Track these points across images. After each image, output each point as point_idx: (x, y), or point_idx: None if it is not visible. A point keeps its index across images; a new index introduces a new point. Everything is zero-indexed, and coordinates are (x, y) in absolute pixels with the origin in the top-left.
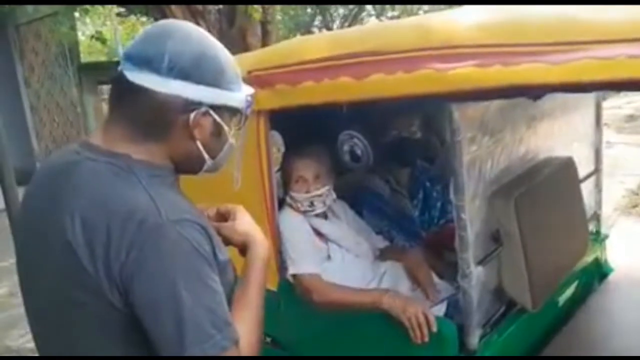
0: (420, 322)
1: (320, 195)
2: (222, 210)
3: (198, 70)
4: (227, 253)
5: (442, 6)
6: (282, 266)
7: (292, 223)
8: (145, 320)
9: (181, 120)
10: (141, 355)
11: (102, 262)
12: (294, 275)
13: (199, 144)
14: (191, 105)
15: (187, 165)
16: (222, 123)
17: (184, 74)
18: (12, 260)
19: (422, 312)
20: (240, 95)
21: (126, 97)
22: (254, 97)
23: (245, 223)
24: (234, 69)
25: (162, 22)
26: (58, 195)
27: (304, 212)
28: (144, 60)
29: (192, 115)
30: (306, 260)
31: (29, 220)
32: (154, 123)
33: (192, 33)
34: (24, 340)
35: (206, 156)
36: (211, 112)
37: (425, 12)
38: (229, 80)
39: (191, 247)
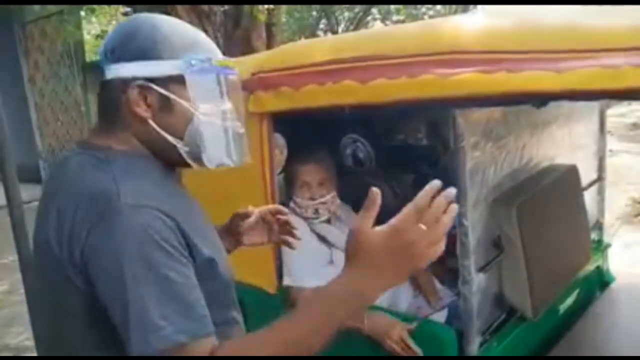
0: (406, 344)
1: (324, 203)
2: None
3: (129, 45)
4: (213, 250)
5: (447, 11)
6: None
7: None
8: (102, 302)
9: (123, 101)
10: (112, 341)
11: (66, 245)
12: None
13: (151, 122)
14: (128, 83)
15: (160, 150)
16: (171, 95)
17: (117, 55)
18: (12, 257)
19: (401, 337)
20: (176, 61)
21: (98, 94)
22: (211, 62)
23: (355, 242)
24: (181, 36)
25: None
26: (49, 193)
27: (308, 219)
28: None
29: (128, 92)
30: (301, 272)
31: (36, 220)
32: (110, 111)
33: (137, 17)
34: (22, 337)
35: (169, 137)
36: (151, 85)
37: (431, 17)
38: (172, 49)
39: (146, 234)
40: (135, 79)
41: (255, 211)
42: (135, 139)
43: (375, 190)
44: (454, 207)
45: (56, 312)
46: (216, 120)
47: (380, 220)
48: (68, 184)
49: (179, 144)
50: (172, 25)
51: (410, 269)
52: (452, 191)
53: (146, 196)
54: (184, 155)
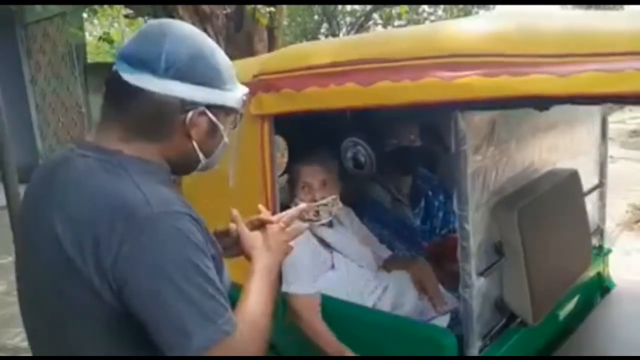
0: None
1: (326, 205)
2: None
3: (194, 70)
4: (214, 249)
5: (448, 17)
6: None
7: None
8: (144, 314)
9: (178, 120)
10: (134, 351)
11: (91, 256)
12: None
13: (194, 143)
14: (188, 105)
15: (183, 164)
16: (218, 123)
17: (181, 74)
18: (11, 258)
19: None
20: (236, 94)
21: (122, 97)
22: (248, 96)
23: (254, 238)
24: (229, 68)
25: (157, 21)
26: (49, 192)
27: (309, 221)
28: (140, 61)
29: (189, 115)
30: (299, 279)
31: (24, 217)
32: (150, 123)
33: (187, 33)
34: (20, 338)
35: (201, 156)
36: (207, 112)
37: (432, 22)
38: (225, 80)
39: (184, 236)
40: (198, 103)
41: (233, 226)
42: (159, 151)
43: (235, 212)
44: (300, 225)
45: (61, 317)
46: (227, 140)
47: (380, 221)
48: (78, 189)
49: (204, 161)
50: (221, 54)
51: (282, 250)
52: (302, 206)
53: (174, 202)
54: (199, 167)
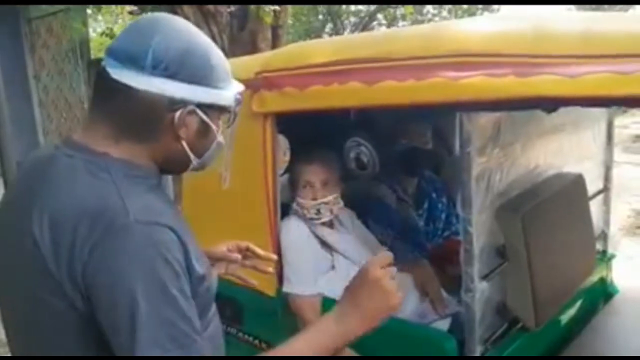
0: None
1: (327, 203)
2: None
3: (184, 67)
4: (204, 266)
5: (452, 18)
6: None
7: (294, 235)
8: (103, 325)
9: (166, 120)
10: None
11: (65, 262)
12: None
13: (184, 143)
14: (176, 104)
15: (172, 165)
16: (210, 122)
17: (169, 72)
18: None
19: None
20: (228, 93)
21: (109, 94)
22: (246, 93)
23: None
24: (224, 65)
25: (148, 16)
26: (31, 190)
27: (310, 220)
28: (128, 57)
29: (177, 115)
30: (301, 280)
31: (4, 216)
32: (137, 122)
33: (179, 28)
34: None
35: (192, 156)
36: (198, 111)
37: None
38: (218, 77)
39: (157, 251)
40: (187, 102)
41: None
42: (148, 152)
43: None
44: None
45: (37, 325)
46: (221, 140)
47: (384, 221)
48: (61, 190)
49: (195, 162)
50: (215, 51)
51: (385, 304)
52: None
53: (156, 212)
54: (190, 168)
